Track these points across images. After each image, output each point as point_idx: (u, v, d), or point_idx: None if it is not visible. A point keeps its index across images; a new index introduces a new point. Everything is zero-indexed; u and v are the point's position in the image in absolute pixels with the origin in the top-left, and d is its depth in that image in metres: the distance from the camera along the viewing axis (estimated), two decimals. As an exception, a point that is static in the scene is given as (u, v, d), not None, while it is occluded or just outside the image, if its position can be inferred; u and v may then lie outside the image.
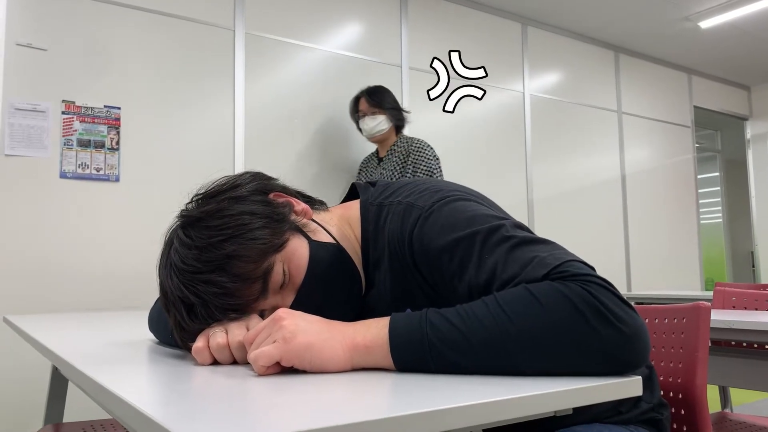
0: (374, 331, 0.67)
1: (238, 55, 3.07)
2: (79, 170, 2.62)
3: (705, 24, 4.45)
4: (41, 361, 2.34)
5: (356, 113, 3.03)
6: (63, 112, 2.60)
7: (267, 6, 3.16)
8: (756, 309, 1.99)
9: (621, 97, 4.83)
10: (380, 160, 3.04)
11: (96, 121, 2.67)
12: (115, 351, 0.88)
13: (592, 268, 0.67)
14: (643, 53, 5.03)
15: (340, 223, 0.90)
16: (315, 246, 0.82)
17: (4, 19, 2.52)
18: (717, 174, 6.69)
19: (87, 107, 2.66)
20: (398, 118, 3.00)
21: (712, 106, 5.60)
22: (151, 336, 1.01)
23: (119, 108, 2.73)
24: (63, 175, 2.58)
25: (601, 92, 4.70)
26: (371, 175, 3.07)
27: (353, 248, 0.88)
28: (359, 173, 3.18)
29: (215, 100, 3.00)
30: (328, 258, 0.82)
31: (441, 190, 0.82)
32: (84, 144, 2.63)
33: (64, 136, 2.59)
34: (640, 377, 0.62)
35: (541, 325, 0.61)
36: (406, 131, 3.16)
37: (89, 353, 0.85)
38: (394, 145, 3.00)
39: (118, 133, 2.71)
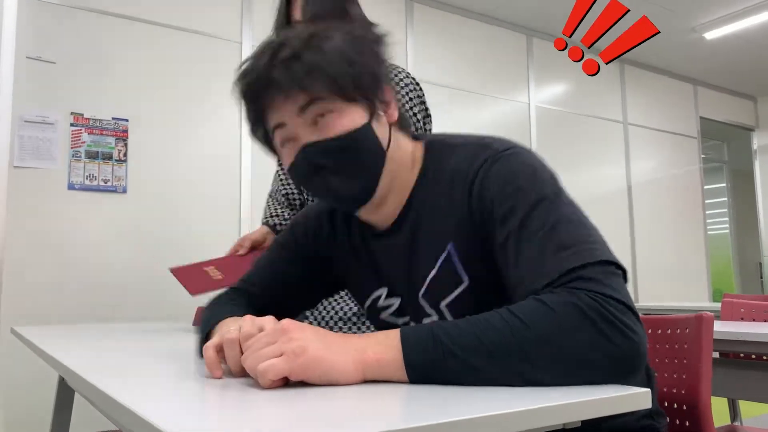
0: (385, 342, 0.66)
1: (244, 67, 3.09)
2: (87, 182, 2.63)
3: (710, 35, 4.45)
4: (48, 371, 2.34)
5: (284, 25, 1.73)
6: (71, 124, 2.62)
7: (273, 19, 3.18)
8: (765, 321, 1.97)
9: (627, 108, 4.83)
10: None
11: (104, 133, 2.69)
12: (122, 362, 0.88)
13: (617, 266, 0.70)
14: (649, 64, 5.03)
15: (404, 154, 0.87)
16: (365, 130, 0.80)
17: (14, 33, 2.55)
18: (724, 185, 6.66)
19: (95, 119, 2.68)
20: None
21: (719, 117, 5.59)
22: (158, 346, 1.01)
23: (127, 120, 2.75)
24: (71, 187, 2.60)
25: (606, 103, 4.70)
26: None
27: (401, 181, 0.86)
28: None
29: (223, 112, 3.02)
30: (363, 146, 0.81)
31: (515, 144, 0.83)
32: (92, 156, 2.65)
33: (72, 147, 2.61)
34: (648, 390, 0.61)
35: (554, 329, 0.63)
36: None
37: (96, 364, 0.85)
38: None
39: (125, 144, 2.73)
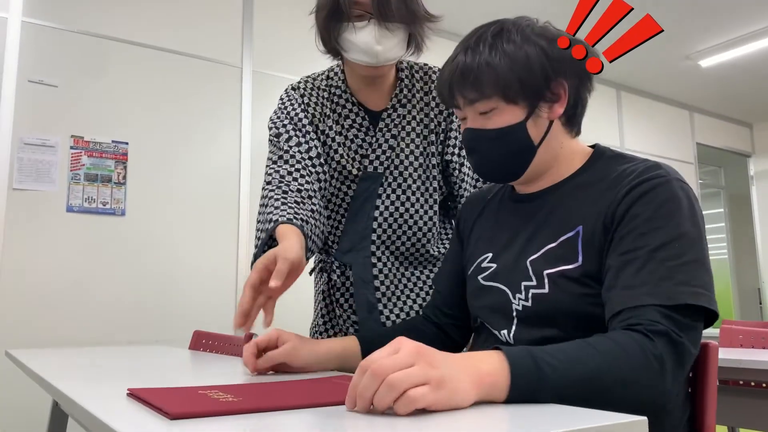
0: (494, 365, 0.67)
1: (245, 92, 3.12)
2: (86, 204, 2.64)
3: (705, 63, 4.51)
4: (42, 395, 2.32)
5: (346, 4, 1.23)
6: (71, 147, 2.64)
7: (274, 44, 3.22)
8: (764, 347, 1.96)
9: (624, 134, 4.86)
10: (374, 116, 1.37)
11: (104, 155, 2.70)
12: (117, 386, 0.88)
13: (710, 312, 0.78)
14: (645, 91, 5.09)
15: (565, 148, 0.96)
16: (519, 127, 0.91)
17: (16, 57, 2.57)
18: (721, 210, 6.68)
19: (95, 142, 2.69)
20: (422, 30, 1.37)
21: (715, 143, 5.63)
22: (155, 370, 1.00)
23: (127, 143, 2.76)
24: (70, 209, 2.60)
25: (603, 129, 4.73)
26: (362, 153, 1.35)
27: (557, 169, 0.95)
28: (306, 117, 1.36)
29: (222, 136, 3.04)
30: (511, 141, 0.92)
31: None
32: (91, 178, 2.66)
33: (71, 170, 2.62)
34: (645, 418, 0.61)
35: (623, 364, 0.71)
36: None
37: (90, 388, 0.84)
38: (402, 86, 1.39)
39: (125, 167, 2.74)
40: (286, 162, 1.28)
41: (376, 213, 1.33)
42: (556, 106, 0.93)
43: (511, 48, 0.90)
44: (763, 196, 5.82)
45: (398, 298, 1.34)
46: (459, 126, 1.36)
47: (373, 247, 1.33)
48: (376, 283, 1.32)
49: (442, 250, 1.38)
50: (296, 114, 1.35)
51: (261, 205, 1.26)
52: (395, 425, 0.56)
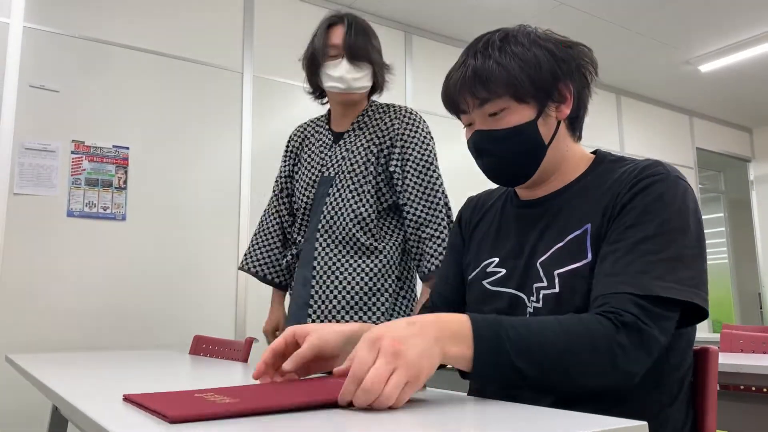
0: (460, 338, 0.72)
1: (245, 97, 3.13)
2: (87, 209, 2.64)
3: (705, 68, 4.52)
4: (42, 400, 2.32)
5: (324, 48, 1.76)
6: (72, 152, 2.64)
7: (274, 49, 3.23)
8: (764, 352, 1.96)
9: (624, 139, 4.87)
10: (337, 136, 1.82)
11: (104, 160, 2.71)
12: (117, 391, 0.88)
13: (699, 309, 0.82)
14: (645, 96, 5.10)
15: (569, 150, 0.98)
16: (530, 126, 0.93)
17: (18, 62, 2.58)
18: (721, 214, 6.68)
19: (96, 147, 2.70)
20: (382, 74, 1.83)
21: (715, 148, 5.64)
22: (154, 375, 1.00)
23: (128, 148, 2.77)
24: (70, 214, 2.60)
25: (603, 134, 4.74)
26: (322, 162, 1.80)
27: (562, 173, 0.97)
28: (292, 157, 1.93)
29: (223, 141, 3.04)
30: (523, 140, 0.93)
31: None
32: (92, 183, 2.66)
33: (72, 175, 2.63)
34: (645, 423, 0.61)
35: (584, 344, 0.74)
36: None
37: (90, 393, 0.84)
38: (363, 114, 1.80)
39: (125, 172, 2.75)
40: (275, 182, 1.96)
41: (325, 208, 1.73)
42: (563, 107, 0.96)
43: (519, 50, 0.92)
44: (763, 200, 5.82)
45: (328, 277, 1.68)
46: (403, 147, 1.74)
47: (317, 234, 1.73)
48: (314, 263, 1.71)
49: (375, 244, 1.70)
50: (286, 146, 1.96)
51: (260, 222, 1.97)
52: (395, 427, 0.56)
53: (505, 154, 0.95)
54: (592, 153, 1.01)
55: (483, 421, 0.62)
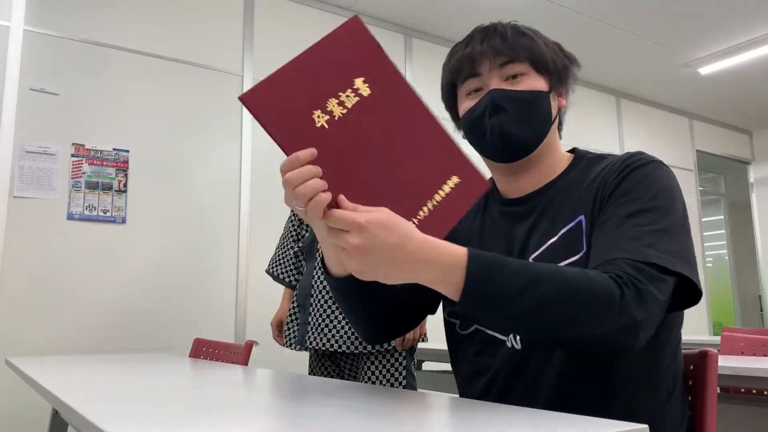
0: (451, 270, 0.73)
1: (245, 99, 3.13)
2: (86, 212, 2.64)
3: (704, 70, 4.52)
4: (41, 403, 2.32)
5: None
6: (72, 155, 2.64)
7: (275, 52, 3.23)
8: (765, 355, 1.96)
9: (623, 141, 4.87)
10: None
11: (105, 163, 2.71)
12: (117, 395, 0.88)
13: (691, 283, 0.80)
14: (644, 98, 5.10)
15: (556, 146, 1.01)
16: (546, 95, 0.95)
17: (18, 65, 2.58)
18: (721, 217, 6.67)
19: (96, 150, 2.70)
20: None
21: (715, 150, 5.64)
22: (155, 378, 1.00)
23: (128, 151, 2.77)
24: (70, 217, 2.60)
25: (603, 136, 4.74)
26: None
27: (548, 165, 0.98)
28: None
29: (223, 144, 3.04)
30: (540, 105, 0.95)
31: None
32: (92, 186, 2.67)
33: (72, 178, 2.63)
34: (647, 426, 0.61)
35: (585, 289, 0.74)
36: None
37: (90, 397, 0.84)
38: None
39: (126, 175, 2.75)
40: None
41: None
42: (561, 99, 1.00)
43: (537, 34, 0.98)
44: (763, 202, 5.82)
45: None
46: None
47: None
48: (317, 255, 1.91)
49: None
50: None
51: (282, 236, 2.21)
52: (395, 428, 0.56)
53: (522, 114, 0.94)
54: (570, 152, 1.03)
55: (482, 423, 0.62)
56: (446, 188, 0.78)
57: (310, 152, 0.73)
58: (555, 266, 0.77)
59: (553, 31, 1.04)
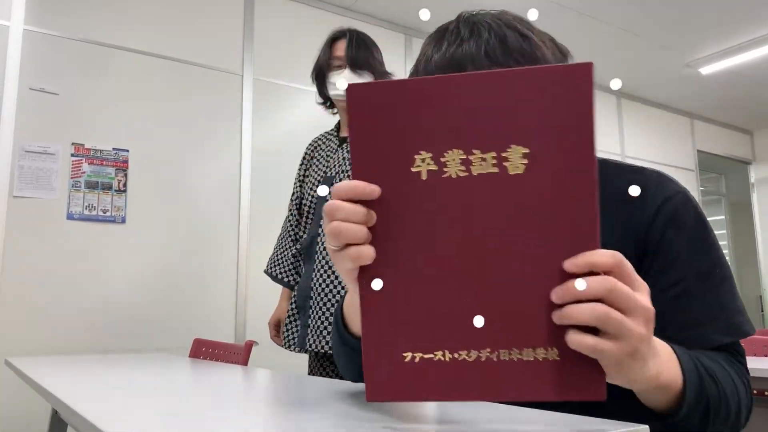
0: (673, 368, 0.66)
1: (245, 99, 3.13)
2: (86, 212, 2.64)
3: (705, 70, 4.52)
4: (41, 404, 2.32)
5: (328, 60, 1.98)
6: (72, 155, 2.64)
7: (275, 52, 3.23)
8: (765, 356, 1.96)
9: (624, 142, 4.87)
10: (342, 141, 2.02)
11: (104, 163, 2.71)
12: (117, 395, 0.87)
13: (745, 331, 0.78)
14: (645, 98, 5.10)
15: None
16: None
17: (18, 65, 2.58)
18: (722, 217, 6.67)
19: (96, 149, 2.70)
20: None
21: (716, 150, 5.64)
22: (154, 379, 1.00)
23: (127, 150, 2.77)
24: (70, 217, 2.60)
25: (604, 136, 4.74)
26: (327, 165, 1.99)
27: None
28: (305, 165, 2.12)
29: (223, 144, 3.04)
30: None
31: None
32: (92, 186, 2.66)
33: (72, 178, 2.63)
34: (647, 426, 0.61)
35: (735, 394, 0.73)
36: None
37: (90, 397, 0.84)
38: None
39: (125, 175, 2.75)
40: (290, 201, 2.12)
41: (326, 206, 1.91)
42: None
43: (532, 30, 0.87)
44: (764, 203, 5.82)
45: (325, 271, 1.84)
46: None
47: (320, 230, 1.90)
48: (316, 257, 1.88)
49: None
50: (300, 163, 2.11)
51: (279, 237, 2.14)
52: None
53: None
54: None
55: (481, 423, 0.62)
56: (536, 354, 0.51)
57: (375, 191, 0.53)
58: (719, 365, 0.74)
59: (553, 30, 1.01)
